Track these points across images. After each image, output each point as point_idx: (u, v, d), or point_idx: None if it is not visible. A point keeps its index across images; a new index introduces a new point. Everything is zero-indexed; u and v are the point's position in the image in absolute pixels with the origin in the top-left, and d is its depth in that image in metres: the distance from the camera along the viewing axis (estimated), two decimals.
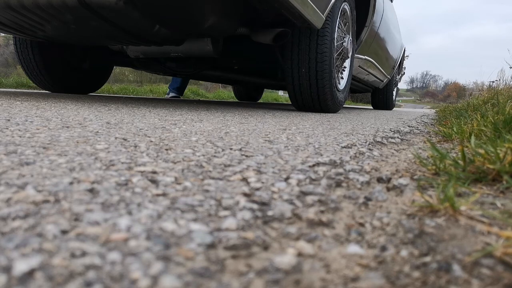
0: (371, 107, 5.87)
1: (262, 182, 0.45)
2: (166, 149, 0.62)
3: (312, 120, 1.50)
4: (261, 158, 0.59)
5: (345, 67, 2.47)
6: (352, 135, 1.04)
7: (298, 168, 0.53)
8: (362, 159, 0.66)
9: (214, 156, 0.59)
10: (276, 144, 0.75)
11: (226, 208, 0.35)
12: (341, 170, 0.54)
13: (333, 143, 0.83)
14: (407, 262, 0.27)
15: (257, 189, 0.42)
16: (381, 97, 5.19)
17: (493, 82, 4.34)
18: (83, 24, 1.65)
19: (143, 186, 0.40)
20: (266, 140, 0.80)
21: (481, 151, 0.53)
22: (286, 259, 0.27)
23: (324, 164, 0.58)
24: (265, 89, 6.55)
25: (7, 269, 0.22)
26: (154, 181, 0.42)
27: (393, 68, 4.78)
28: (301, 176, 0.49)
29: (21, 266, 0.22)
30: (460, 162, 0.53)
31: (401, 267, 0.27)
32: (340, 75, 2.41)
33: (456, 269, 0.26)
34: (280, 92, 11.09)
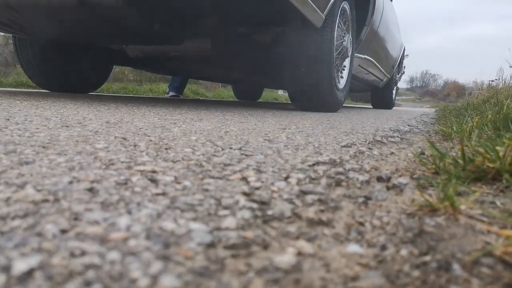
0: (371, 106, 5.87)
1: (262, 181, 0.45)
2: (166, 148, 0.62)
3: (311, 119, 1.50)
4: (261, 157, 0.59)
5: (344, 66, 2.47)
6: (352, 134, 1.03)
7: (298, 167, 0.53)
8: (362, 158, 0.65)
9: (214, 155, 0.59)
10: (275, 143, 0.75)
11: (225, 207, 0.35)
12: (341, 169, 0.54)
13: (333, 142, 0.83)
14: (407, 261, 0.27)
15: (257, 188, 0.42)
16: (380, 96, 5.19)
17: (492, 81, 4.33)
18: (82, 24, 1.65)
19: (142, 186, 0.40)
20: (265, 139, 0.80)
21: (481, 150, 0.53)
22: (286, 258, 0.27)
23: (324, 163, 0.58)
24: (265, 89, 6.55)
25: (7, 269, 0.22)
26: (153, 180, 0.42)
27: (393, 67, 4.78)
28: (301, 175, 0.49)
29: (20, 266, 0.22)
30: (460, 161, 0.53)
31: (401, 266, 0.27)
32: (339, 74, 2.41)
33: (456, 268, 0.26)
34: (280, 92, 11.07)
